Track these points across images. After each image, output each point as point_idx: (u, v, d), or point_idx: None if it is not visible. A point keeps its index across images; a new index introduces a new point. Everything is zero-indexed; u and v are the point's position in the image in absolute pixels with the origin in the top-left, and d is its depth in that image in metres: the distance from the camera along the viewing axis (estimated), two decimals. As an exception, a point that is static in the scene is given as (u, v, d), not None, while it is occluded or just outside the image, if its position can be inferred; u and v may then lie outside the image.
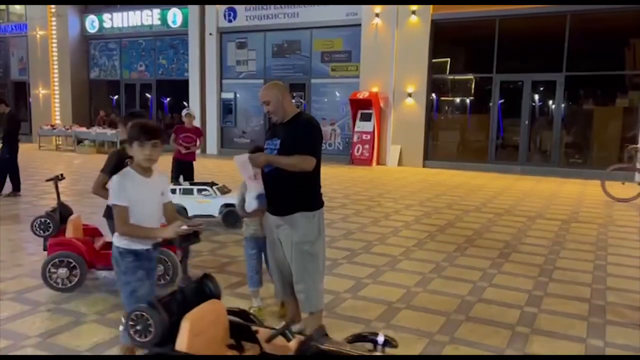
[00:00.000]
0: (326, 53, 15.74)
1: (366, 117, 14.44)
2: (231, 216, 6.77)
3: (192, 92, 17.83)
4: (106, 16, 19.54)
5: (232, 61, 17.34)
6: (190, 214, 6.62)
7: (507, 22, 13.40)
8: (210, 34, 17.25)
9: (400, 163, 14.35)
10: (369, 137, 14.31)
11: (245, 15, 16.77)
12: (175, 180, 7.47)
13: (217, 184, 7.27)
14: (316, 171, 3.39)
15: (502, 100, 13.84)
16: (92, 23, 19.98)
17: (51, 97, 20.49)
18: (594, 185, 11.35)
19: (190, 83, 17.84)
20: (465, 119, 15.30)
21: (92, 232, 4.95)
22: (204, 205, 6.89)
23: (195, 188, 7.06)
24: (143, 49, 19.23)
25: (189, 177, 7.81)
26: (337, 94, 15.79)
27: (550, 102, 13.33)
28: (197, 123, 17.65)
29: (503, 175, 12.85)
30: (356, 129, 14.53)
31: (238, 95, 17.32)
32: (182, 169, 7.72)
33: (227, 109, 17.51)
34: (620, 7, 11.90)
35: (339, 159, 14.91)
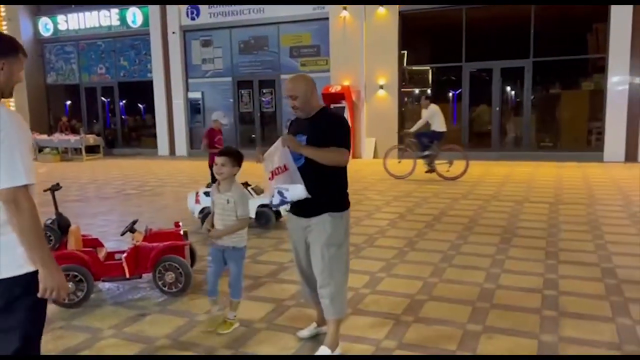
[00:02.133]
0: (295, 48, 15.59)
1: (339, 111, 14.36)
2: (262, 216, 6.61)
3: (157, 93, 17.38)
4: (61, 18, 18.78)
5: (198, 60, 16.97)
6: None
7: (473, 12, 13.58)
8: (173, 33, 16.82)
9: (375, 155, 14.37)
10: (343, 130, 14.25)
11: (208, 13, 16.43)
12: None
13: (250, 185, 6.94)
14: (344, 169, 3.29)
15: (473, 89, 14.03)
16: (45, 26, 19.16)
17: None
18: (568, 167, 11.67)
19: (155, 84, 17.37)
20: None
21: (93, 243, 4.74)
22: None
23: None
24: (102, 51, 18.58)
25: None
26: (308, 89, 15.64)
27: (520, 88, 13.57)
28: (163, 124, 17.50)
29: (478, 162, 13.00)
30: (330, 123, 14.44)
31: (206, 94, 16.96)
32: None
33: (194, 108, 17.14)
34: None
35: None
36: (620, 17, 12.14)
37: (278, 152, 3.21)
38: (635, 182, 9.39)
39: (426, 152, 10.42)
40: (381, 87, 14.30)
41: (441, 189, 9.32)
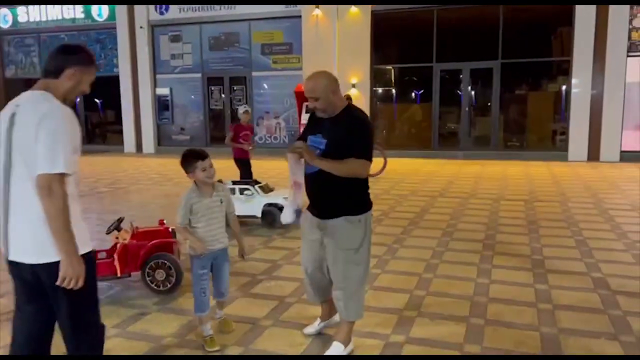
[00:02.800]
0: (266, 45, 15.52)
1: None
2: (269, 215, 6.47)
3: (123, 88, 16.98)
4: (21, 9, 18.11)
5: (166, 55, 16.67)
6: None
7: (444, 13, 13.84)
8: (141, 27, 16.47)
9: (348, 153, 14.45)
10: (316, 129, 14.28)
11: (178, 8, 16.15)
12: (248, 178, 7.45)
13: (259, 182, 6.78)
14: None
15: (443, 89, 14.32)
16: (4, 17, 18.45)
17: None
18: (536, 166, 12.05)
19: (121, 79, 16.98)
20: (408, 108, 15.68)
21: None
22: (247, 205, 6.44)
23: (237, 187, 6.54)
24: (65, 45, 17.98)
25: (248, 173, 7.69)
26: (280, 87, 15.60)
27: (488, 89, 13.92)
28: (130, 120, 17.10)
29: (448, 161, 13.30)
30: (302, 122, 14.44)
31: (174, 90, 16.68)
32: (245, 166, 7.67)
33: (162, 105, 16.84)
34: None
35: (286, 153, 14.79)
36: (583, 21, 12.60)
37: (291, 161, 3.11)
38: (602, 181, 9.80)
39: None
40: (353, 85, 14.40)
41: (418, 187, 9.47)
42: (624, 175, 10.44)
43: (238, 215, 5.60)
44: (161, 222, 4.94)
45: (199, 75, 16.39)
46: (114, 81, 17.04)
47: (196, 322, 3.63)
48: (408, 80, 15.57)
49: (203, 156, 3.36)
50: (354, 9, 14.21)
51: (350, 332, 3.32)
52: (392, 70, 15.44)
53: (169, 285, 4.33)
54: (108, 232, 4.62)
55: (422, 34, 14.21)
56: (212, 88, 16.36)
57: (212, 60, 16.19)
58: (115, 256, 4.34)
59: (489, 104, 14.00)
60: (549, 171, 11.30)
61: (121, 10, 16.59)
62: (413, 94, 15.45)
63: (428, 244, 5.77)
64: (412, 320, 3.80)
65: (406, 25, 14.73)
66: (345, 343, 3.30)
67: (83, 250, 2.31)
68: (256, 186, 6.59)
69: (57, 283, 2.24)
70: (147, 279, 4.36)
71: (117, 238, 4.61)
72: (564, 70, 13.31)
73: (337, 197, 3.10)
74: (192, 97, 16.66)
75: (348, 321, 3.29)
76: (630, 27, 12.52)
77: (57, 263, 2.25)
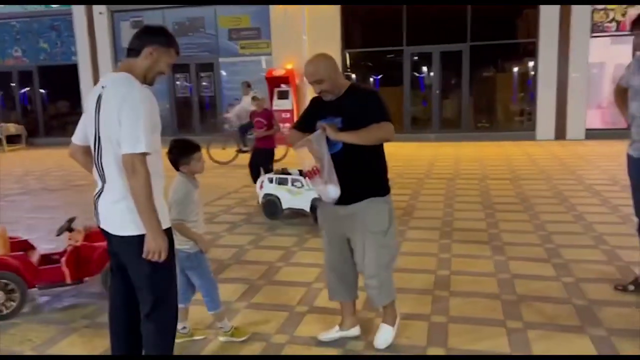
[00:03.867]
0: (233, 30, 15.18)
1: (284, 95, 14.25)
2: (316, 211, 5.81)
3: (83, 77, 16.26)
4: (-34, -5, 17.03)
5: (128, 42, 16.03)
6: (284, 206, 6.10)
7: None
8: (101, 13, 15.78)
9: (321, 139, 14.40)
10: (288, 115, 14.15)
11: (139, -8, 15.57)
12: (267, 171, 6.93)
13: (288, 171, 6.37)
14: (382, 152, 3.10)
15: (414, 72, 14.44)
16: (-51, 4, 17.30)
17: None
18: (507, 146, 12.35)
19: (80, 68, 16.25)
20: (380, 91, 15.68)
21: (22, 246, 4.19)
22: (296, 198, 6.02)
23: (289, 178, 6.10)
24: (17, 32, 17.06)
25: (265, 165, 7.12)
26: (250, 73, 15.30)
27: (458, 71, 14.10)
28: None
29: (421, 143, 13.44)
30: (274, 108, 14.26)
31: (138, 78, 16.10)
32: (259, 157, 7.21)
33: (126, 94, 16.22)
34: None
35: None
36: (548, 4, 12.90)
37: (311, 146, 2.94)
38: (576, 158, 10.14)
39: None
40: (325, 70, 14.29)
41: (403, 170, 9.52)
42: (594, 152, 10.83)
43: (287, 208, 5.39)
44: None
45: (163, 62, 15.85)
46: (72, 70, 16.33)
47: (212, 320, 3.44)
48: (379, 64, 15.57)
49: (199, 147, 3.21)
50: (323, -8, 14.06)
51: (393, 311, 3.25)
52: (363, 54, 15.40)
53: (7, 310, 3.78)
54: (58, 234, 4.06)
55: (392, 18, 14.20)
56: (178, 75, 15.92)
57: (177, 46, 15.68)
58: (63, 261, 3.92)
59: (459, 86, 14.20)
60: (522, 150, 11.59)
61: (78, -5, 15.86)
62: (384, 78, 15.47)
63: (432, 236, 5.82)
64: (446, 298, 3.82)
65: (376, 9, 14.68)
66: (392, 323, 3.26)
67: (164, 225, 2.46)
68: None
69: (143, 256, 2.39)
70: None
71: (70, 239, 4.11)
72: (531, 52, 13.62)
73: (362, 177, 3.01)
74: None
75: (387, 308, 3.23)
76: (593, 8, 12.91)
77: (134, 237, 2.42)
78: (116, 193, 2.44)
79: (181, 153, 3.12)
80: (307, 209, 5.93)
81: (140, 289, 2.56)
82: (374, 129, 2.90)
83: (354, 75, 15.07)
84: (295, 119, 14.24)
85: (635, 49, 3.16)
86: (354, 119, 2.93)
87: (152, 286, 2.52)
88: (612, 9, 12.90)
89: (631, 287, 3.84)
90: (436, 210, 6.51)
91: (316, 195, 5.09)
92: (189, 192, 3.12)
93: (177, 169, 3.15)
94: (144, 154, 2.33)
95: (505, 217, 6.05)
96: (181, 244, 3.07)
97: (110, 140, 2.40)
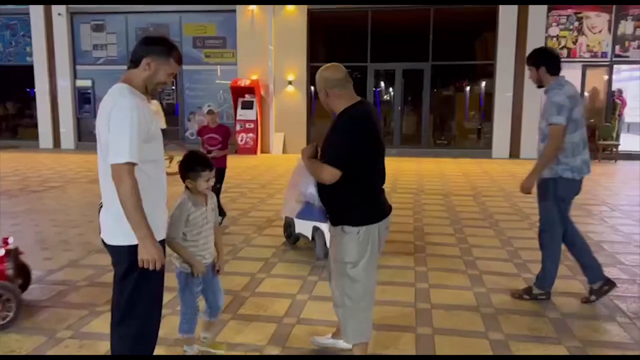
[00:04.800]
0: (198, 38, 15.11)
1: (248, 105, 14.26)
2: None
3: (38, 79, 15.79)
4: None
5: (88, 45, 15.72)
6: (296, 230, 5.40)
7: (379, 14, 14.26)
8: (60, 15, 15.39)
9: (284, 150, 14.50)
10: (252, 125, 14.17)
11: (101, -4, 15.28)
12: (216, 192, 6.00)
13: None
14: (355, 182, 2.85)
15: (376, 88, 14.77)
16: None
17: None
18: (466, 163, 12.80)
19: (36, 69, 15.76)
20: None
21: None
22: (303, 223, 5.28)
23: None
24: (-32, 30, 16.42)
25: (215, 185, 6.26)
26: (214, 82, 15.26)
27: (419, 89, 14.53)
28: (46, 114, 15.87)
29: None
30: (238, 117, 14.26)
31: (97, 82, 15.75)
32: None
33: (83, 98, 15.85)
34: (474, 5, 13.55)
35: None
36: (506, 29, 13.52)
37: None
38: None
39: None
40: (290, 82, 14.45)
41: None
42: (548, 172, 11.35)
43: (299, 233, 5.20)
44: (5, 241, 3.93)
45: (125, 67, 15.48)
46: (27, 71, 15.80)
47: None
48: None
49: (211, 166, 3.07)
50: (290, 6, 14.23)
51: (362, 356, 3.08)
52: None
53: (3, 321, 3.60)
54: None
55: (357, 34, 14.53)
56: (139, 81, 15.63)
57: (139, 52, 15.43)
58: None
59: (420, 103, 14.63)
60: (480, 168, 12.05)
61: (36, -5, 15.41)
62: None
63: (406, 237, 6.00)
64: (429, 311, 3.97)
65: (342, 25, 15.00)
66: None
67: (159, 237, 2.48)
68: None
69: (139, 264, 2.39)
70: None
71: None
72: (489, 73, 14.22)
73: (333, 201, 2.93)
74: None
75: (354, 347, 3.07)
76: (547, 35, 13.64)
77: (120, 247, 2.44)
78: (107, 202, 2.48)
79: (191, 169, 3.04)
80: (310, 236, 5.28)
81: (117, 299, 2.55)
82: (317, 167, 2.86)
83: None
84: (260, 129, 14.32)
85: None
86: (324, 147, 2.93)
87: (128, 301, 2.49)
88: (564, 37, 13.67)
89: (526, 297, 4.21)
90: (407, 224, 6.70)
91: (316, 223, 5.06)
92: (186, 210, 3.00)
93: (184, 182, 3.10)
94: (131, 164, 2.30)
95: (473, 233, 6.30)
96: (177, 259, 3.06)
97: (102, 149, 2.43)
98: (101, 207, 2.57)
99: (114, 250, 2.50)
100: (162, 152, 2.63)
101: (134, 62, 2.49)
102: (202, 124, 6.82)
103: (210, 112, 6.70)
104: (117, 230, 2.43)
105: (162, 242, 2.54)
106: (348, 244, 2.89)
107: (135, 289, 2.48)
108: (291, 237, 5.61)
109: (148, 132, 2.41)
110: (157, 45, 2.51)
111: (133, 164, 2.31)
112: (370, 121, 2.91)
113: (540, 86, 4.18)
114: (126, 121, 2.30)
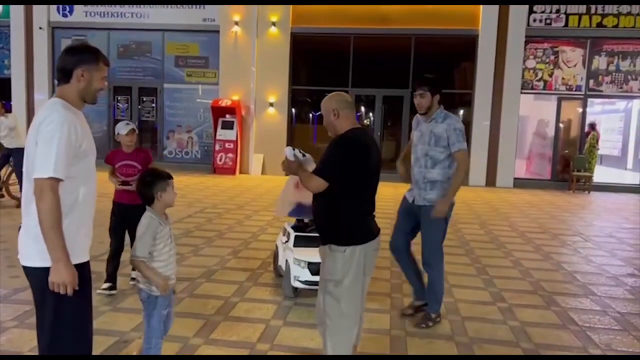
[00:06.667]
0: (181, 57, 15.11)
1: (228, 125, 14.23)
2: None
3: (15, 92, 15.59)
4: None
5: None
6: (279, 262, 5.10)
7: (360, 40, 14.47)
8: (40, 28, 15.28)
9: (264, 172, 14.47)
10: (232, 145, 14.13)
11: (84, 11, 15.24)
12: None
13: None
14: (348, 196, 2.94)
15: (357, 113, 14.88)
16: None
17: None
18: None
19: (13, 82, 15.58)
20: (322, 129, 16.00)
21: None
22: (283, 253, 4.95)
23: (287, 228, 5.11)
24: (-55, 40, 16.17)
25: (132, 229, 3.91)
26: (194, 101, 15.23)
27: (398, 115, 14.71)
28: (22, 131, 15.45)
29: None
30: (218, 137, 14.22)
31: (75, 98, 15.57)
32: (123, 218, 4.64)
33: (61, 113, 15.62)
34: (453, 33, 13.88)
35: (199, 168, 14.53)
36: (484, 59, 13.83)
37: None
38: (507, 205, 10.76)
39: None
40: (271, 104, 14.49)
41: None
42: (523, 200, 11.54)
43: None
44: None
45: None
46: (5, 83, 15.59)
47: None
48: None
49: (170, 175, 3.07)
50: (273, 29, 14.36)
51: None
52: (309, 92, 15.74)
53: None
54: None
55: (339, 59, 14.69)
56: (119, 97, 15.55)
57: (120, 68, 15.38)
58: None
59: (399, 129, 14.78)
60: (457, 195, 12.11)
61: (17, 8, 15.27)
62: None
63: (381, 263, 5.99)
64: (404, 338, 3.94)
65: (325, 50, 15.16)
66: None
67: (76, 260, 2.32)
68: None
69: (49, 287, 2.25)
70: None
71: None
72: (467, 102, 14.46)
73: (321, 219, 3.06)
74: (95, 105, 15.65)
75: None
76: (524, 67, 13.97)
77: (37, 269, 2.30)
78: (25, 220, 2.36)
79: (157, 183, 2.99)
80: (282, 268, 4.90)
81: (40, 324, 2.39)
82: (305, 175, 2.99)
83: (298, 111, 15.35)
84: (239, 150, 14.29)
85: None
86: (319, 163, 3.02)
87: (51, 328, 2.33)
88: (541, 69, 14.02)
89: (409, 311, 4.45)
90: (383, 249, 6.67)
91: (288, 258, 4.74)
92: (154, 226, 2.93)
93: (148, 203, 3.01)
94: (55, 179, 2.21)
95: (449, 260, 6.30)
96: (144, 283, 2.98)
97: (28, 169, 2.31)
98: (20, 228, 2.42)
99: (28, 272, 2.36)
100: (94, 171, 2.49)
101: (66, 76, 2.40)
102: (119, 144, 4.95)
103: (130, 130, 4.75)
104: (32, 250, 2.30)
105: (82, 265, 2.37)
106: (333, 262, 2.95)
107: (57, 314, 2.31)
108: (276, 268, 5.29)
109: (79, 149, 2.32)
110: (85, 53, 2.45)
111: (57, 180, 2.22)
112: (365, 144, 3.00)
113: (423, 113, 4.26)
114: (55, 135, 2.23)
